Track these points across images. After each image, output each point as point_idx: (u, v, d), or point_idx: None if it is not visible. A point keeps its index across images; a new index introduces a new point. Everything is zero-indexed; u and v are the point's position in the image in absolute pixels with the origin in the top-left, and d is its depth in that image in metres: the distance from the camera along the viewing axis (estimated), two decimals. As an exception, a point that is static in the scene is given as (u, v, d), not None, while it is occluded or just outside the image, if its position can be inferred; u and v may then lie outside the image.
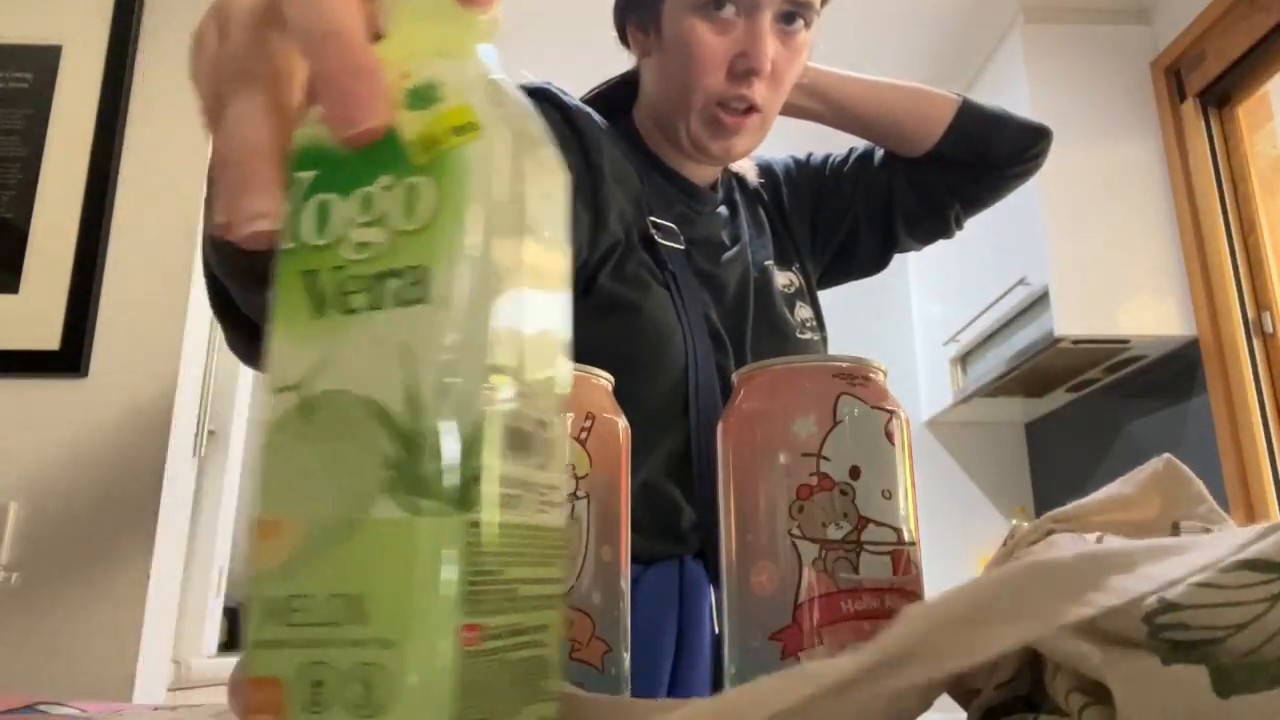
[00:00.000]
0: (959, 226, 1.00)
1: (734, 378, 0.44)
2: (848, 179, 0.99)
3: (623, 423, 0.44)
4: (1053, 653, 0.28)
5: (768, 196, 0.99)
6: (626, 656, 0.41)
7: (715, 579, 0.78)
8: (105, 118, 1.70)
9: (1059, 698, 0.29)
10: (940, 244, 1.03)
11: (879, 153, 0.99)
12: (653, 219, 0.84)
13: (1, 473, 1.55)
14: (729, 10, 0.80)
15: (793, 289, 0.93)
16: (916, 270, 3.47)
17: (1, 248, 1.64)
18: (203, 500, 1.74)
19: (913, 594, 0.39)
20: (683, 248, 0.86)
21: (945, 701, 0.42)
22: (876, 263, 1.02)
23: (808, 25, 0.83)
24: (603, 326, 0.78)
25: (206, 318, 1.71)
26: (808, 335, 0.92)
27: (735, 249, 0.90)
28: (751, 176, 0.99)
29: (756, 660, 0.38)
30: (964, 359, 3.12)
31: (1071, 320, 2.47)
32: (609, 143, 0.83)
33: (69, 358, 1.60)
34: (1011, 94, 2.69)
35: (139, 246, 1.66)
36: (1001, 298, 2.72)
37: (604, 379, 0.44)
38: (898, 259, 1.04)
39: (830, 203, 0.99)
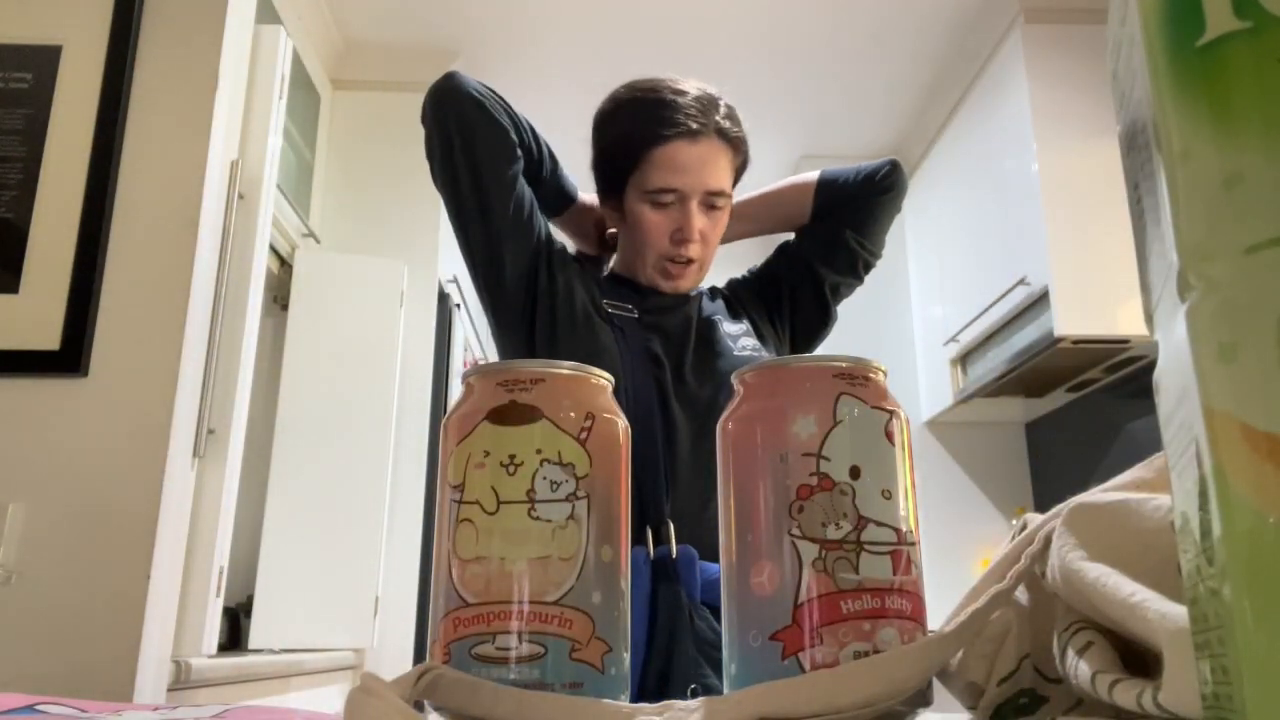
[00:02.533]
0: (865, 251, 1.27)
1: (733, 378, 0.44)
2: (775, 264, 1.33)
3: (623, 423, 0.44)
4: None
5: (729, 293, 1.33)
6: (626, 656, 0.41)
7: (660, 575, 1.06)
8: (105, 118, 1.70)
9: (1085, 683, 0.30)
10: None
11: (789, 238, 1.33)
12: (606, 299, 1.22)
13: (1, 473, 1.54)
14: (668, 200, 1.17)
15: (739, 331, 1.24)
16: (916, 270, 3.47)
17: (1, 248, 1.64)
18: (202, 500, 1.74)
19: (913, 594, 0.39)
20: (634, 314, 1.21)
21: (945, 702, 0.42)
22: (825, 309, 1.30)
23: (722, 207, 1.20)
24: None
25: (206, 318, 1.71)
26: (747, 353, 1.20)
27: (682, 309, 1.24)
28: (720, 285, 1.35)
29: (756, 660, 0.38)
30: (964, 359, 3.12)
31: (1071, 320, 2.47)
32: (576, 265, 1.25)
33: (69, 358, 1.59)
34: (1011, 94, 2.69)
35: (139, 246, 1.66)
36: (1001, 298, 2.72)
37: (604, 379, 0.44)
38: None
39: (771, 283, 1.32)
